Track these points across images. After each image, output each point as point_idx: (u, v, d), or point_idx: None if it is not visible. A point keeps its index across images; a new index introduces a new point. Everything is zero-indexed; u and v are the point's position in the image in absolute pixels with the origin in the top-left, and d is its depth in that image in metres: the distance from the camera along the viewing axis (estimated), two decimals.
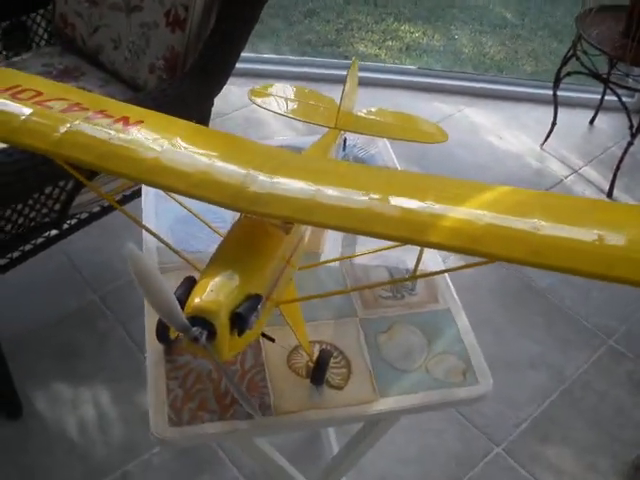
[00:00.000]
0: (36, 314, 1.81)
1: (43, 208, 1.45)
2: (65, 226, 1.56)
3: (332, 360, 0.91)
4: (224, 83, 1.63)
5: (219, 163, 0.76)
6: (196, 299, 0.71)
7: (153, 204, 1.13)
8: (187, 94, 1.54)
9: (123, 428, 1.59)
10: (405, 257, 1.06)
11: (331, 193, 0.72)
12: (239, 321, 0.72)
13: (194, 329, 0.70)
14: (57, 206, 1.47)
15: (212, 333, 0.71)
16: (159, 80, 1.66)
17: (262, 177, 0.74)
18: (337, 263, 1.06)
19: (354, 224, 0.70)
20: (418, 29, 3.42)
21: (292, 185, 0.74)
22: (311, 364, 0.89)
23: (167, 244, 0.90)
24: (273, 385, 0.90)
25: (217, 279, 0.74)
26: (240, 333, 0.73)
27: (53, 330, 1.78)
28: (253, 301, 0.74)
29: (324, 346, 0.94)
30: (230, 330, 0.72)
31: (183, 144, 0.79)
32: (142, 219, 1.10)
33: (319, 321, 0.97)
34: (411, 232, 0.67)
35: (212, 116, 1.79)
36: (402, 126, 1.21)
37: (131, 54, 1.72)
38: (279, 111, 1.21)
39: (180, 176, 0.75)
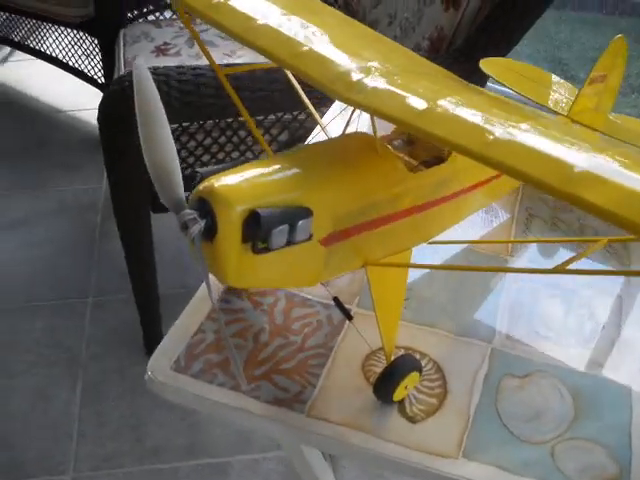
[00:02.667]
0: None
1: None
2: None
3: (421, 378, 0.61)
4: (486, 77, 1.38)
5: (335, 47, 0.54)
6: (209, 181, 0.49)
7: None
8: None
9: None
10: None
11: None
12: (252, 225, 0.47)
13: (187, 211, 0.47)
14: None
15: (213, 230, 0.48)
16: None
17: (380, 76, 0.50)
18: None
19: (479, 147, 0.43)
20: None
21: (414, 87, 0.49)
22: None
23: None
24: (327, 379, 0.63)
25: (256, 169, 0.51)
26: (256, 248, 0.49)
27: None
28: (293, 211, 0.49)
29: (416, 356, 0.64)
30: (242, 238, 0.48)
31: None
32: None
33: (434, 329, 0.68)
34: None
35: None
36: None
37: (401, 31, 1.56)
38: (510, 86, 0.93)
39: (284, 43, 0.54)
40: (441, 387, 0.62)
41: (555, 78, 0.96)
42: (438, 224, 0.65)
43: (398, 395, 0.59)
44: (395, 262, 0.61)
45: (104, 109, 1.17)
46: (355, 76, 0.50)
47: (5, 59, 2.72)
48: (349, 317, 0.62)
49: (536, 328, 0.68)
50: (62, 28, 2.19)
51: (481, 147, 0.43)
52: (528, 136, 0.45)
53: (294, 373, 0.63)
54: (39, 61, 2.38)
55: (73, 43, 2.22)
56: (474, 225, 0.81)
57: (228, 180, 0.49)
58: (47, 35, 2.30)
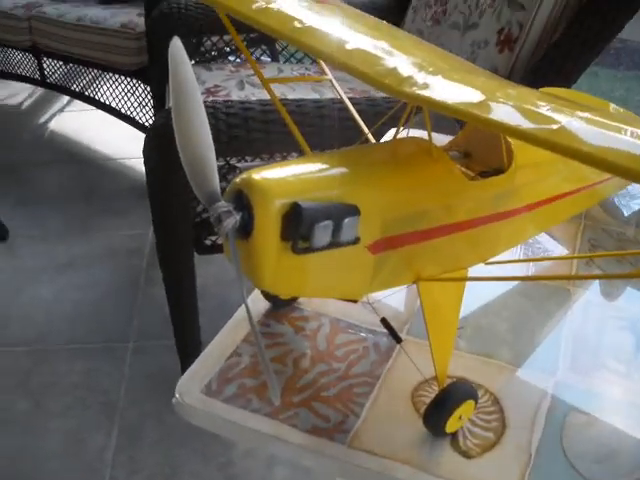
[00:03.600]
0: None
1: None
2: None
3: (476, 410, 0.55)
4: None
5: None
6: (247, 173, 0.45)
7: None
8: None
9: None
10: None
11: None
12: (293, 220, 0.43)
13: (221, 203, 0.43)
14: None
15: (249, 226, 0.43)
16: None
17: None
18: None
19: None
20: None
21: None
22: None
23: None
24: (372, 409, 0.57)
25: (299, 164, 0.47)
26: (296, 248, 0.44)
27: None
28: (339, 207, 0.44)
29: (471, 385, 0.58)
30: (282, 235, 0.44)
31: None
32: None
33: (490, 359, 0.62)
34: None
35: None
36: None
37: None
38: None
39: (331, 41, 0.51)
40: (498, 421, 0.56)
41: (615, 107, 0.91)
42: (496, 243, 0.60)
43: (451, 426, 0.53)
44: (454, 294, 0.55)
45: (149, 141, 1.16)
46: (408, 71, 0.46)
47: (62, 109, 2.80)
48: (398, 339, 0.57)
49: (604, 361, 0.62)
50: (116, 76, 2.24)
51: (549, 133, 0.38)
52: (596, 122, 0.40)
53: (336, 401, 0.57)
54: (93, 111, 2.43)
55: (127, 91, 2.26)
56: (532, 256, 0.75)
57: (268, 173, 0.45)
58: (102, 84, 2.35)
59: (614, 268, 0.74)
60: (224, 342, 0.63)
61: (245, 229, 0.43)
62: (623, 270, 0.74)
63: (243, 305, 0.58)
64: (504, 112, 0.41)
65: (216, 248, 1.44)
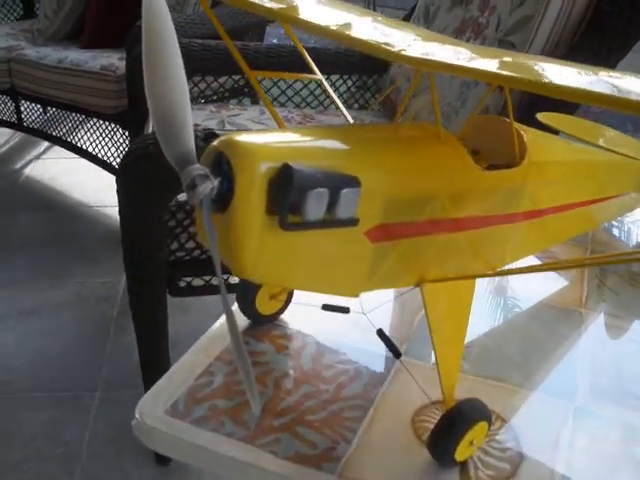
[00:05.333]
0: None
1: None
2: None
3: (488, 438, 0.47)
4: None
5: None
6: (227, 135, 0.38)
7: None
8: None
9: None
10: None
11: None
12: (282, 186, 0.36)
13: (196, 165, 0.36)
14: None
15: (228, 195, 0.36)
16: None
17: None
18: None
19: None
20: None
21: None
22: None
23: None
24: (366, 435, 0.49)
25: (291, 132, 0.40)
26: (284, 222, 0.37)
27: None
28: (336, 175, 0.38)
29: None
30: (267, 207, 0.37)
31: None
32: None
33: (500, 382, 0.54)
34: None
35: None
36: None
37: (443, 117, 1.50)
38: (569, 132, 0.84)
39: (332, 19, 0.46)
40: (514, 450, 0.48)
41: (614, 131, 0.87)
42: (505, 249, 0.53)
43: (461, 453, 0.45)
44: (465, 296, 0.48)
45: (125, 168, 1.09)
46: (407, 40, 0.41)
47: (39, 156, 2.74)
48: (397, 354, 0.49)
49: (627, 386, 0.54)
50: (95, 120, 2.19)
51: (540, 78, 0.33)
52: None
53: (324, 426, 0.49)
54: (71, 159, 2.38)
55: (104, 135, 2.21)
56: (540, 278, 0.68)
57: (253, 137, 0.38)
58: (80, 128, 2.30)
59: (626, 289, 0.68)
60: (195, 359, 0.55)
61: (223, 198, 0.36)
62: (636, 291, 0.68)
63: (215, 323, 0.50)
64: (504, 64, 0.36)
65: (190, 290, 1.36)
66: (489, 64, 0.38)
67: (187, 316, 1.75)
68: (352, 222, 0.39)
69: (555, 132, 0.89)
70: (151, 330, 1.35)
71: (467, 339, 0.51)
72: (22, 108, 2.37)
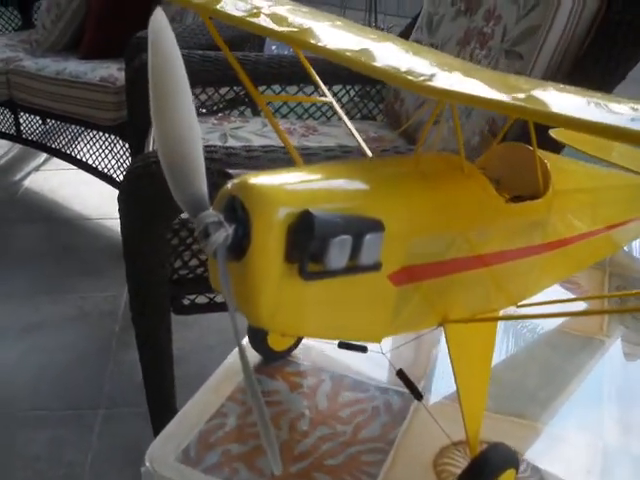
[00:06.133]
0: None
1: None
2: None
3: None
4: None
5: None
6: (241, 177, 0.36)
7: None
8: None
9: None
10: None
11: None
12: (302, 234, 0.34)
13: (209, 212, 0.34)
14: None
15: (244, 242, 0.34)
16: None
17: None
18: None
19: None
20: None
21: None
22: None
23: None
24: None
25: (307, 172, 0.38)
26: (305, 271, 0.35)
27: None
28: (359, 220, 0.35)
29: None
30: (286, 254, 0.35)
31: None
32: None
33: (522, 420, 0.52)
34: None
35: None
36: None
37: (449, 131, 1.48)
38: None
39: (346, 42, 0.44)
40: None
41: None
42: (528, 282, 0.51)
43: None
44: (487, 339, 0.46)
45: (125, 187, 1.07)
46: (429, 70, 0.39)
47: (38, 167, 2.71)
48: (418, 396, 0.47)
49: None
50: (94, 132, 2.17)
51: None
52: None
53: (343, 472, 0.47)
54: (71, 170, 2.36)
55: (104, 147, 2.19)
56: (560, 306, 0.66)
57: (269, 178, 0.36)
58: (80, 140, 2.28)
59: None
60: (205, 400, 0.53)
61: (239, 246, 0.34)
62: None
63: (226, 360, 0.48)
64: (546, 103, 0.34)
65: (194, 308, 1.34)
66: (516, 98, 0.35)
67: (190, 332, 1.73)
68: (375, 267, 0.37)
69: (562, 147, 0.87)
70: (154, 349, 1.33)
71: None
72: (21, 120, 2.34)
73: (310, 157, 1.06)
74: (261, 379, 0.55)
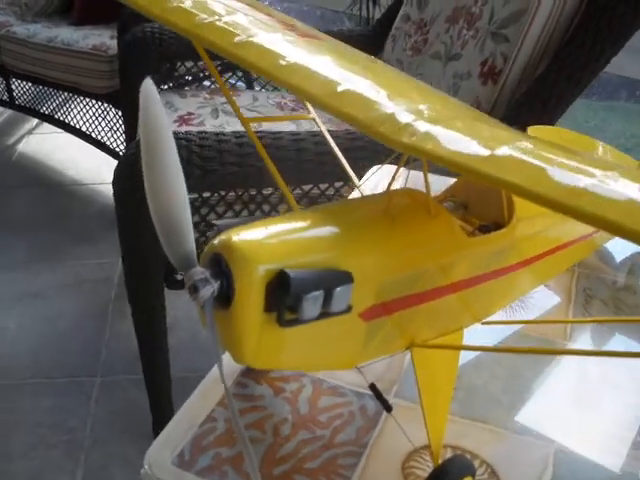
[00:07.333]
0: None
1: None
2: None
3: None
4: None
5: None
6: (226, 234, 0.40)
7: None
8: None
9: None
10: None
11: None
12: (279, 289, 0.38)
13: (197, 269, 0.38)
14: None
15: (229, 295, 0.39)
16: None
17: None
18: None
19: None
20: None
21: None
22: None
23: None
24: None
25: (284, 223, 0.42)
26: (282, 320, 0.39)
27: None
28: (330, 275, 0.40)
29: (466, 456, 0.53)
30: (265, 306, 0.39)
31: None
32: None
33: (485, 424, 0.57)
34: None
35: None
36: None
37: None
38: None
39: (319, 81, 0.46)
40: None
41: (604, 145, 0.88)
42: (493, 302, 0.56)
43: None
44: (445, 344, 0.51)
45: (119, 173, 1.10)
46: (405, 117, 0.41)
47: (31, 131, 2.73)
48: (388, 408, 0.52)
49: (609, 426, 0.58)
50: (87, 100, 2.18)
51: (570, 197, 0.34)
52: (621, 185, 0.36)
53: (320, 474, 0.53)
54: (64, 134, 2.37)
55: (97, 115, 2.20)
56: (526, 307, 0.71)
57: (250, 234, 0.40)
58: (73, 107, 2.29)
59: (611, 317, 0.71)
60: (197, 405, 0.58)
61: (224, 299, 0.39)
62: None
63: (214, 368, 0.53)
64: (513, 169, 0.37)
65: None
66: (509, 168, 0.37)
67: (182, 301, 1.78)
68: (346, 311, 0.42)
69: None
70: (149, 323, 1.38)
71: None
72: (13, 86, 2.35)
73: (277, 141, 1.10)
74: (248, 383, 0.60)
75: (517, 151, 0.39)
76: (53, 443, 1.44)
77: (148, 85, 0.38)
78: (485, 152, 0.38)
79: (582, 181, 0.35)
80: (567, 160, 0.38)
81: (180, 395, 0.97)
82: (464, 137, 0.40)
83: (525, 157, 0.38)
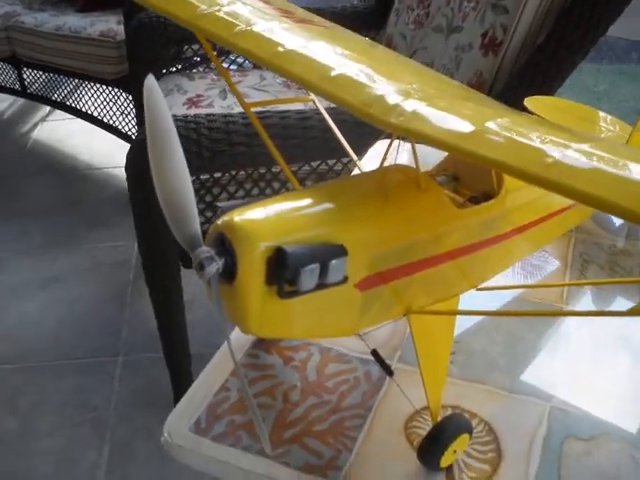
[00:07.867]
0: None
1: None
2: None
3: (471, 441, 0.54)
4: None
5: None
6: (228, 215, 0.43)
7: None
8: None
9: None
10: None
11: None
12: (278, 264, 0.42)
13: (203, 248, 0.41)
14: None
15: (233, 270, 0.42)
16: None
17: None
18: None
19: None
20: None
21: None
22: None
23: None
24: (365, 443, 0.56)
25: (282, 203, 0.45)
26: (282, 292, 0.43)
27: None
28: (325, 249, 0.43)
29: (464, 415, 0.57)
30: (266, 279, 0.43)
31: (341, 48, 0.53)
32: None
33: (484, 385, 0.61)
34: None
35: None
36: None
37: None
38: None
39: (314, 67, 0.49)
40: (494, 451, 0.55)
41: (603, 115, 0.90)
42: (487, 268, 0.59)
43: (446, 460, 0.52)
44: (441, 309, 0.54)
45: (131, 158, 1.14)
46: (393, 99, 0.44)
47: (44, 118, 2.76)
48: (389, 372, 0.56)
49: (601, 385, 0.61)
50: (98, 85, 2.21)
51: (541, 169, 0.37)
52: (592, 156, 0.39)
53: (328, 436, 0.56)
54: (77, 120, 2.41)
55: (108, 100, 2.23)
56: (524, 273, 0.74)
57: (250, 214, 0.43)
58: (84, 93, 2.32)
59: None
60: (212, 376, 0.62)
61: (228, 274, 0.42)
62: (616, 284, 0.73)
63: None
64: (497, 146, 0.40)
65: None
66: (488, 145, 0.39)
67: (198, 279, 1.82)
68: (342, 282, 0.45)
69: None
70: (167, 302, 1.42)
71: (454, 343, 0.58)
72: (25, 75, 2.39)
73: (283, 120, 1.13)
74: (258, 354, 0.64)
75: (498, 127, 0.41)
76: (79, 421, 1.49)
77: (150, 82, 0.42)
78: (467, 129, 0.40)
79: (554, 153, 0.38)
80: (544, 134, 0.41)
81: (199, 370, 1.01)
82: (450, 116, 0.43)
83: (505, 133, 0.41)
